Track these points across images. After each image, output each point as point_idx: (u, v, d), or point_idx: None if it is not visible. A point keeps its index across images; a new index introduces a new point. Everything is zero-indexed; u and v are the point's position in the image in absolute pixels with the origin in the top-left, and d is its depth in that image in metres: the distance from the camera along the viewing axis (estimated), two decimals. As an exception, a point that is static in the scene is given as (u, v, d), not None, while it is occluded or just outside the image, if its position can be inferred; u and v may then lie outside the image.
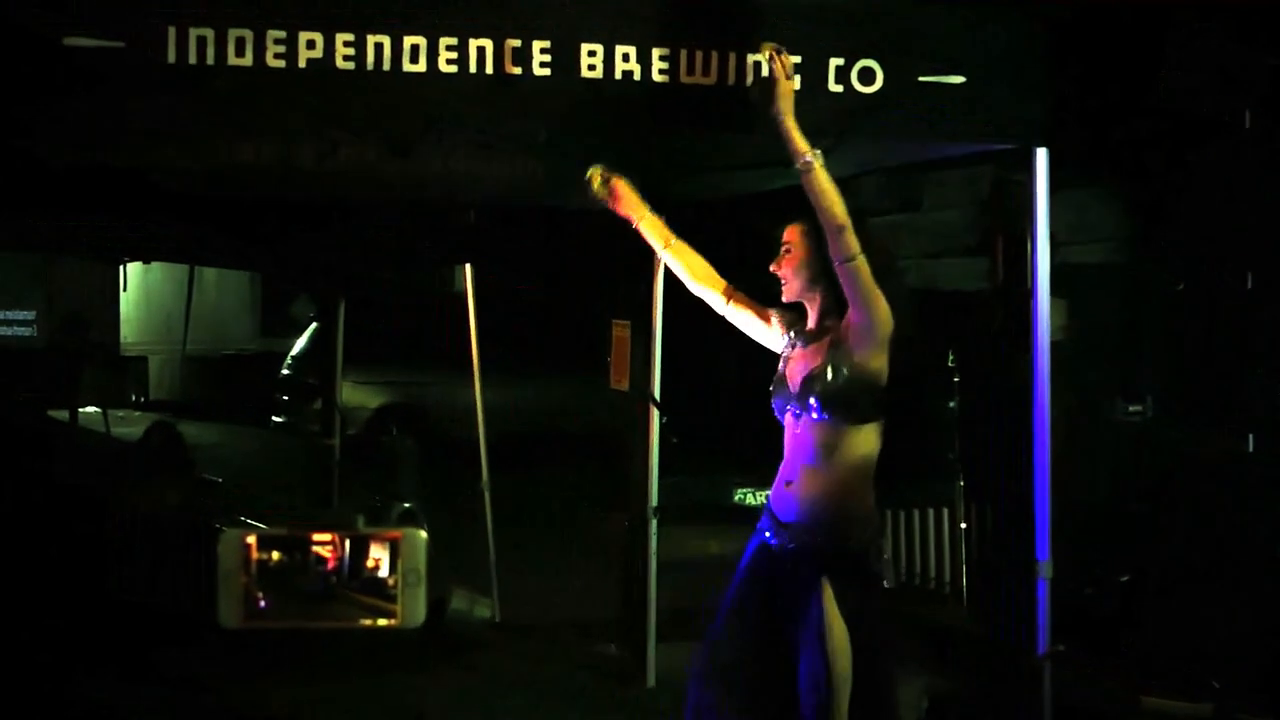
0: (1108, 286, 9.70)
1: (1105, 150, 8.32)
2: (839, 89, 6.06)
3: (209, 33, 5.54)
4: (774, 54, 5.46)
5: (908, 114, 6.20)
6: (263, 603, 3.39)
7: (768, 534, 5.52)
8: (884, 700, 5.41)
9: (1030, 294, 6.43)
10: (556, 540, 12.66)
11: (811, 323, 5.63)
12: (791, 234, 5.61)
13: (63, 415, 24.31)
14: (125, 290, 27.46)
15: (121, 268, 25.76)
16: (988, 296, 10.45)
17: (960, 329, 9.87)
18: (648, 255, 8.08)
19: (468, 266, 10.82)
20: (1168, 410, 8.89)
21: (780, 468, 5.59)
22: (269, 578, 3.42)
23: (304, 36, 5.63)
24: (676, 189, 7.76)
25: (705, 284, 5.85)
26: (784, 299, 5.72)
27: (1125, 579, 8.23)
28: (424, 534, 3.50)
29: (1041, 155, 6.38)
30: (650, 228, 5.86)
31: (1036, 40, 6.33)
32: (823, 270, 5.48)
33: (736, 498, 13.51)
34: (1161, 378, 9.01)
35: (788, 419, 5.59)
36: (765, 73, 5.51)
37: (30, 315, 23.12)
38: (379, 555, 3.46)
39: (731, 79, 5.95)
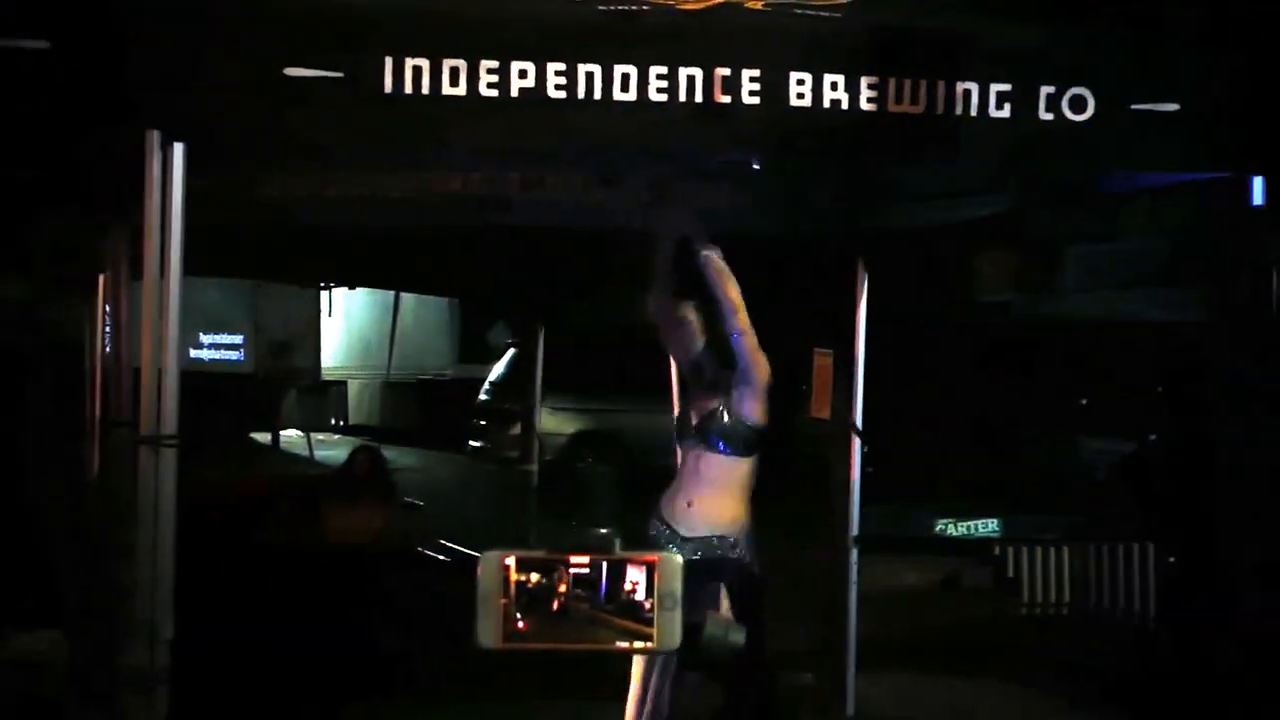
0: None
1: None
2: (1049, 117, 5.99)
3: (424, 62, 5.63)
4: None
5: (1119, 142, 6.11)
6: (521, 624, 3.42)
7: (671, 548, 6.35)
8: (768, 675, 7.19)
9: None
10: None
11: (708, 375, 6.81)
12: (686, 310, 6.81)
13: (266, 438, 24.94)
14: (329, 316, 27.87)
15: (325, 293, 26.16)
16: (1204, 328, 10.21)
17: (1169, 362, 9.69)
18: (851, 285, 8.07)
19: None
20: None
21: (678, 491, 6.85)
22: (528, 599, 3.45)
23: (516, 66, 5.70)
24: (871, 218, 7.77)
25: None
26: (678, 360, 7.22)
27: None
28: (680, 558, 3.50)
29: (1258, 184, 6.25)
30: None
31: (1251, 67, 6.20)
32: (713, 338, 6.77)
33: (938, 529, 13.38)
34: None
35: (691, 453, 6.86)
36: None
37: (239, 340, 23.56)
38: (636, 578, 3.47)
39: (940, 107, 5.90)
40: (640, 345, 12.89)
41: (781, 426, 6.96)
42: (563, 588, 3.48)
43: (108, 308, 8.40)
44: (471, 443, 21.36)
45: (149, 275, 5.63)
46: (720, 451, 6.70)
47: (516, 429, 13.69)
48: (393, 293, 21.28)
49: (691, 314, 6.82)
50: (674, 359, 7.39)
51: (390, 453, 16.20)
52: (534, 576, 3.47)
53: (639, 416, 18.12)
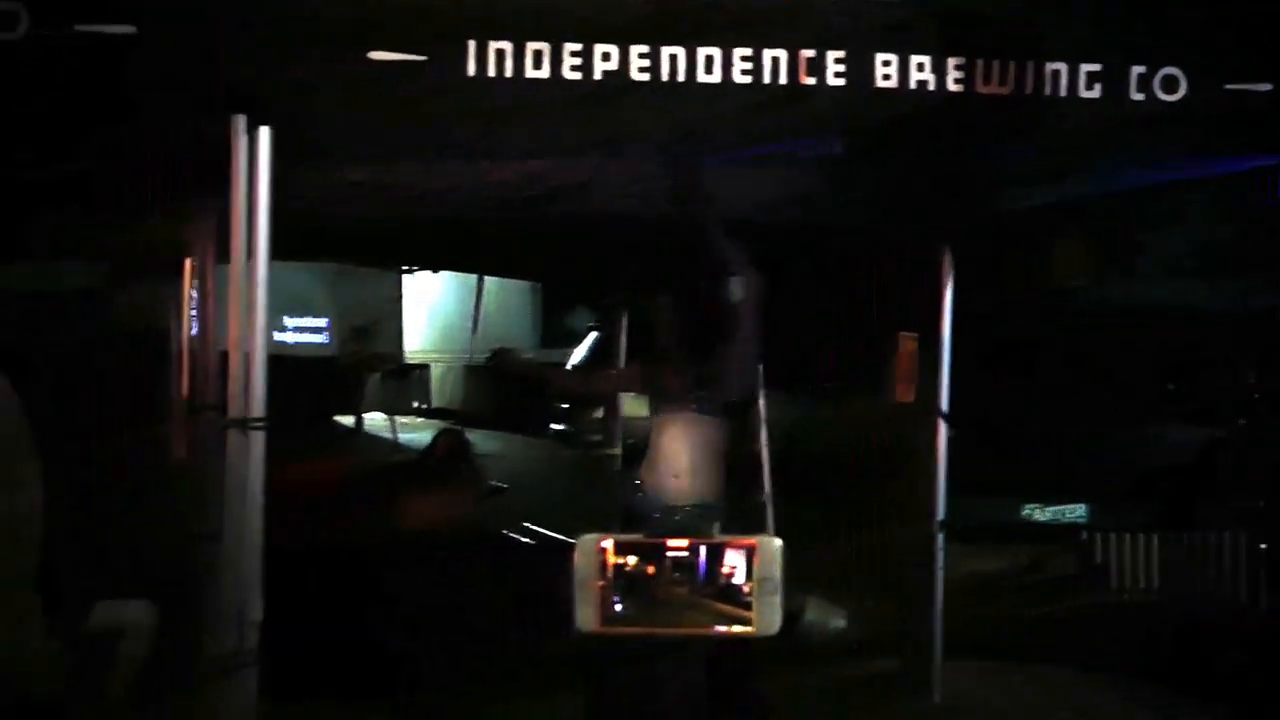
0: None
1: None
2: (1140, 97, 5.91)
3: (507, 46, 5.62)
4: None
5: (1211, 124, 6.01)
6: (618, 608, 3.40)
7: (656, 515, 6.44)
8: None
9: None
10: (840, 555, 12.55)
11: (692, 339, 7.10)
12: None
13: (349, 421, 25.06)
14: (409, 300, 28.01)
15: (405, 277, 26.28)
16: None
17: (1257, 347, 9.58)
18: (936, 268, 8.02)
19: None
20: None
21: (659, 461, 6.84)
22: (626, 582, 3.44)
23: (599, 49, 5.68)
24: (958, 202, 7.71)
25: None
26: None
27: None
28: (779, 542, 3.47)
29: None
30: None
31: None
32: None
33: (1024, 513, 13.27)
34: None
35: (670, 421, 6.89)
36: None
37: (323, 323, 23.72)
38: (735, 562, 3.44)
39: (1029, 88, 5.83)
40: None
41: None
42: (660, 572, 3.46)
43: (194, 292, 8.47)
44: (554, 426, 21.34)
45: (235, 259, 5.65)
46: (704, 415, 6.86)
47: (599, 412, 13.67)
48: (475, 276, 21.32)
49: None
50: (660, 323, 7.47)
51: (473, 436, 16.27)
52: (631, 560, 3.45)
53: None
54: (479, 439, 20.25)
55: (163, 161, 5.88)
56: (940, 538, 8.50)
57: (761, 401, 10.78)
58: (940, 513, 8.48)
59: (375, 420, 25.32)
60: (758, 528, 10.12)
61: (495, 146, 6.83)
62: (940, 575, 8.55)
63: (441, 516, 9.75)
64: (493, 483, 11.46)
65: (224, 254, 5.78)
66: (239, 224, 5.61)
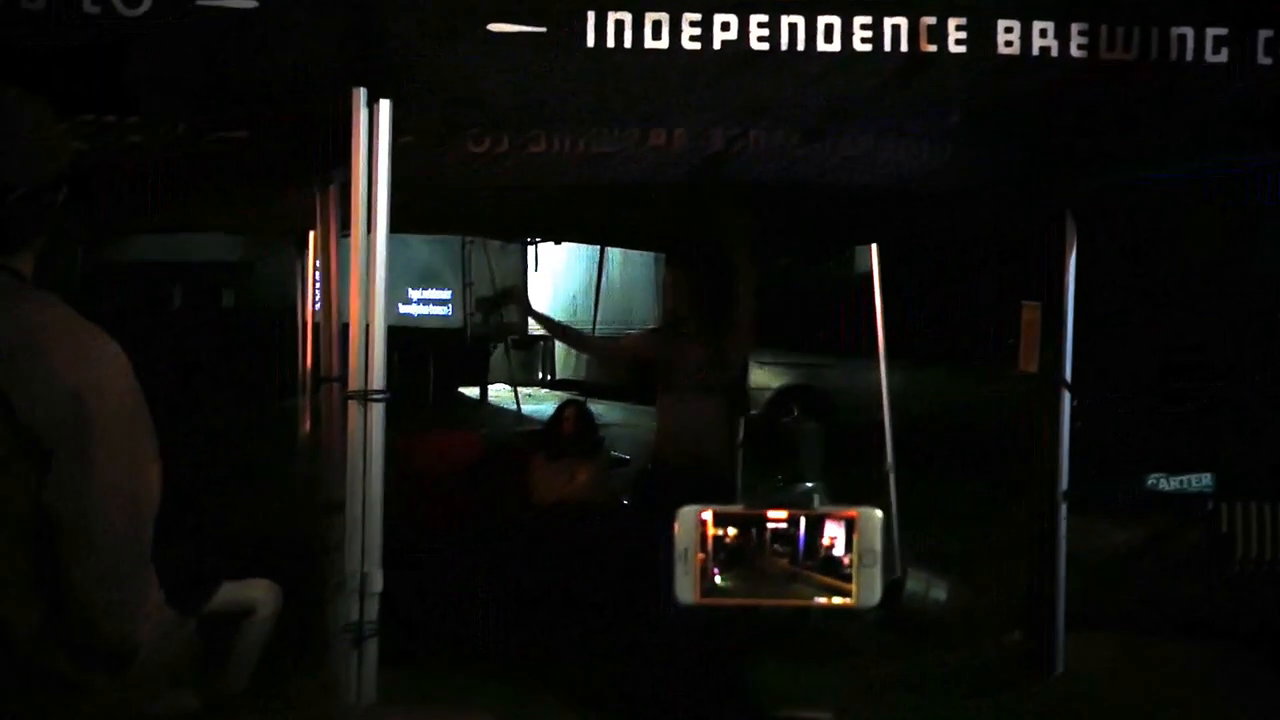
0: None
1: None
2: (1268, 62, 5.80)
3: (627, 16, 5.62)
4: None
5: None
6: (718, 579, 3.41)
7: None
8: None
9: None
10: (962, 526, 12.49)
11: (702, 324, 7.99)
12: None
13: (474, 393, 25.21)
14: (535, 271, 28.08)
15: (531, 249, 26.35)
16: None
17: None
18: (1060, 235, 7.93)
19: (873, 248, 10.78)
20: None
21: (674, 435, 7.84)
22: (726, 554, 3.45)
23: (719, 19, 5.66)
24: (1081, 171, 7.59)
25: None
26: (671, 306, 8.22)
27: None
28: (879, 513, 3.47)
29: None
30: None
31: None
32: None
33: (1149, 484, 13.06)
34: None
35: (680, 400, 7.83)
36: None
37: (447, 295, 23.87)
38: (835, 534, 3.45)
39: (1154, 53, 5.75)
40: (849, 299, 12.79)
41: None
42: (761, 543, 3.46)
43: (317, 265, 8.54)
44: None
45: (357, 232, 5.69)
46: (706, 397, 7.73)
47: None
48: (598, 247, 21.36)
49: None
50: (669, 305, 8.32)
51: (597, 408, 16.37)
52: (731, 532, 3.46)
53: (844, 372, 17.95)
54: (603, 410, 20.37)
55: (285, 135, 5.93)
56: (1063, 508, 8.41)
57: (883, 372, 10.75)
58: (1064, 483, 8.39)
59: (499, 392, 25.47)
60: (879, 499, 10.09)
61: (618, 116, 6.83)
62: (1063, 546, 8.47)
63: (564, 488, 9.80)
64: (615, 454, 11.50)
65: (347, 227, 5.83)
66: (359, 197, 5.65)
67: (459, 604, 8.56)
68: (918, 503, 10.90)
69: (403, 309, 23.00)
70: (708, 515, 3.45)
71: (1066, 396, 8.37)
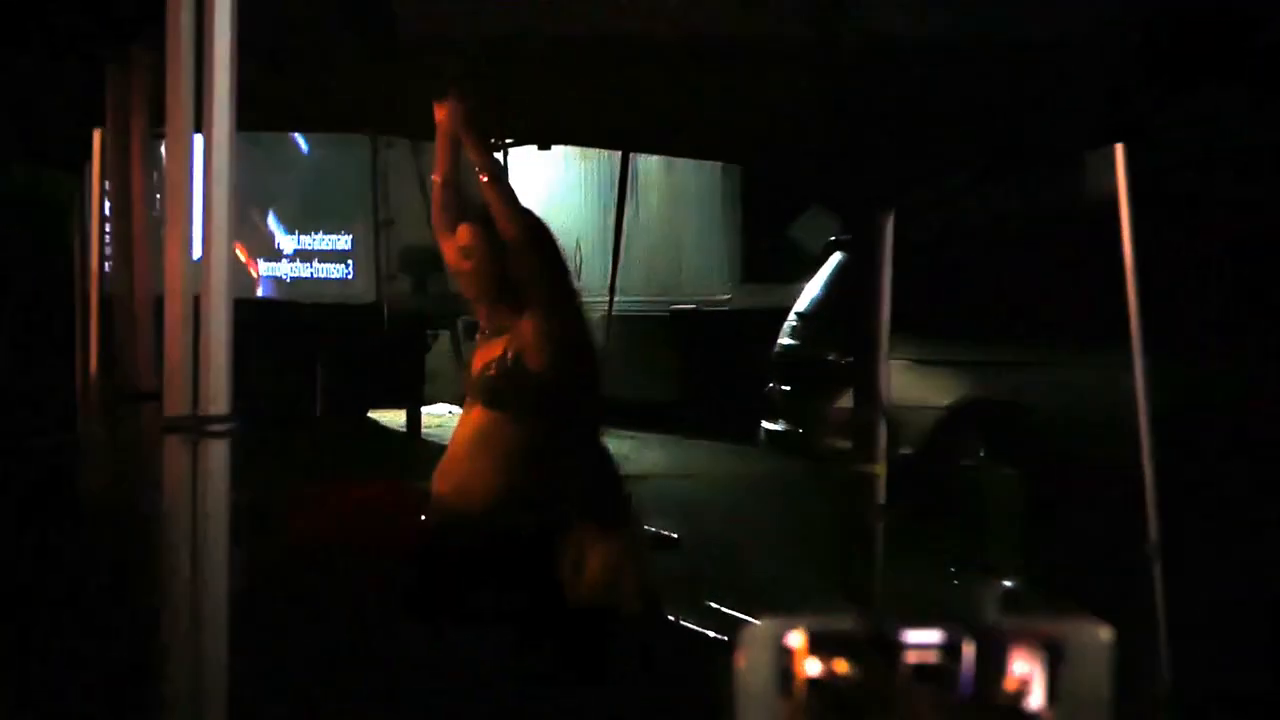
0: None
1: None
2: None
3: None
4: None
5: None
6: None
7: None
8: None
9: None
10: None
11: None
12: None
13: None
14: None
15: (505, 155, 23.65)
16: None
17: None
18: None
19: (1118, 158, 6.22)
20: None
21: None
22: (828, 701, 2.17)
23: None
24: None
25: None
26: None
27: None
28: (1108, 634, 2.05)
29: None
30: None
31: None
32: None
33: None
34: None
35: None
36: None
37: (347, 244, 19.42)
38: (1025, 670, 2.07)
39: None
40: (1060, 254, 9.99)
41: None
42: (893, 684, 2.12)
43: (108, 195, 7.32)
44: (766, 425, 13.32)
45: (177, 130, 4.03)
46: None
47: (847, 399, 8.45)
48: (618, 156, 11.90)
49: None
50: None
51: (624, 444, 11.92)
52: (840, 665, 2.15)
53: (1064, 372, 11.49)
54: (634, 447, 14.58)
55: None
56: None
57: (1139, 375, 7.10)
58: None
59: (442, 414, 19.64)
60: (1127, 604, 6.12)
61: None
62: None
63: (570, 583, 6.15)
64: (655, 530, 7.46)
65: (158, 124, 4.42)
66: (180, 66, 4.15)
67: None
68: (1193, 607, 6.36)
69: (265, 269, 16.59)
70: (797, 637, 2.17)
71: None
